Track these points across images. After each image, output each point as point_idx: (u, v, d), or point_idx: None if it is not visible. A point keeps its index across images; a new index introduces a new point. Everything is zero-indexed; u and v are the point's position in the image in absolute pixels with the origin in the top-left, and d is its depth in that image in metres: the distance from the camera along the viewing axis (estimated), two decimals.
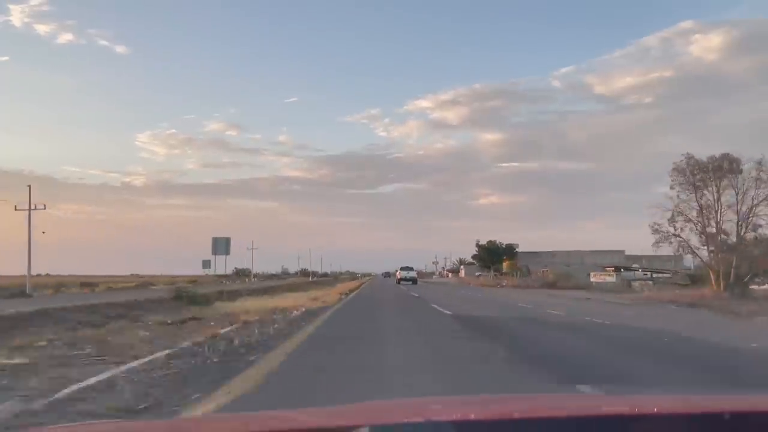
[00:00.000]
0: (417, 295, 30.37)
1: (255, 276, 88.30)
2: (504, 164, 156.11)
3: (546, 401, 1.85)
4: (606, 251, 67.36)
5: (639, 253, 58.78)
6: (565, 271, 55.60)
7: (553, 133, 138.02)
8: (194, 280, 56.61)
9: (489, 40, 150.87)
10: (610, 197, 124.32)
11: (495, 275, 70.14)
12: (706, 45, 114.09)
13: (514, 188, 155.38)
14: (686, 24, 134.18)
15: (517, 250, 79.65)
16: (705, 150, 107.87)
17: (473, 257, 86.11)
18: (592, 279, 47.75)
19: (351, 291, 35.47)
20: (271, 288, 38.41)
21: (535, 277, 56.36)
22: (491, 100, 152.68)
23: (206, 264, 35.90)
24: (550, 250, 77.57)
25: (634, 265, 57.47)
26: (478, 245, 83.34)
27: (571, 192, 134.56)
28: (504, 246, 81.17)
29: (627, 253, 65.63)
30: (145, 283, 59.79)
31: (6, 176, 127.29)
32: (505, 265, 76.81)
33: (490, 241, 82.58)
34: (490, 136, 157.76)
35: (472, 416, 1.42)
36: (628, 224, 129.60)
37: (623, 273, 51.23)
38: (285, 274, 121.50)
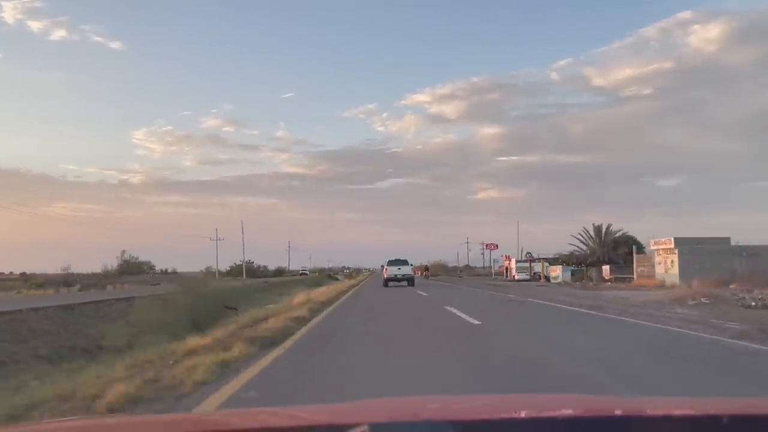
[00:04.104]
0: None
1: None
2: (503, 158, 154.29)
3: (546, 401, 1.85)
4: None
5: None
6: None
7: (552, 127, 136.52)
8: None
9: (486, 33, 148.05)
10: (611, 190, 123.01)
11: None
12: (705, 36, 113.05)
13: (514, 182, 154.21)
14: (685, 14, 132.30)
15: None
16: (706, 142, 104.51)
17: None
18: None
19: None
20: None
21: None
22: (489, 93, 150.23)
23: None
24: None
25: None
26: None
27: (572, 185, 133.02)
28: None
29: None
30: None
31: (3, 175, 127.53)
32: None
33: None
34: (488, 130, 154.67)
35: (471, 416, 1.41)
36: (631, 217, 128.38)
37: None
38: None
